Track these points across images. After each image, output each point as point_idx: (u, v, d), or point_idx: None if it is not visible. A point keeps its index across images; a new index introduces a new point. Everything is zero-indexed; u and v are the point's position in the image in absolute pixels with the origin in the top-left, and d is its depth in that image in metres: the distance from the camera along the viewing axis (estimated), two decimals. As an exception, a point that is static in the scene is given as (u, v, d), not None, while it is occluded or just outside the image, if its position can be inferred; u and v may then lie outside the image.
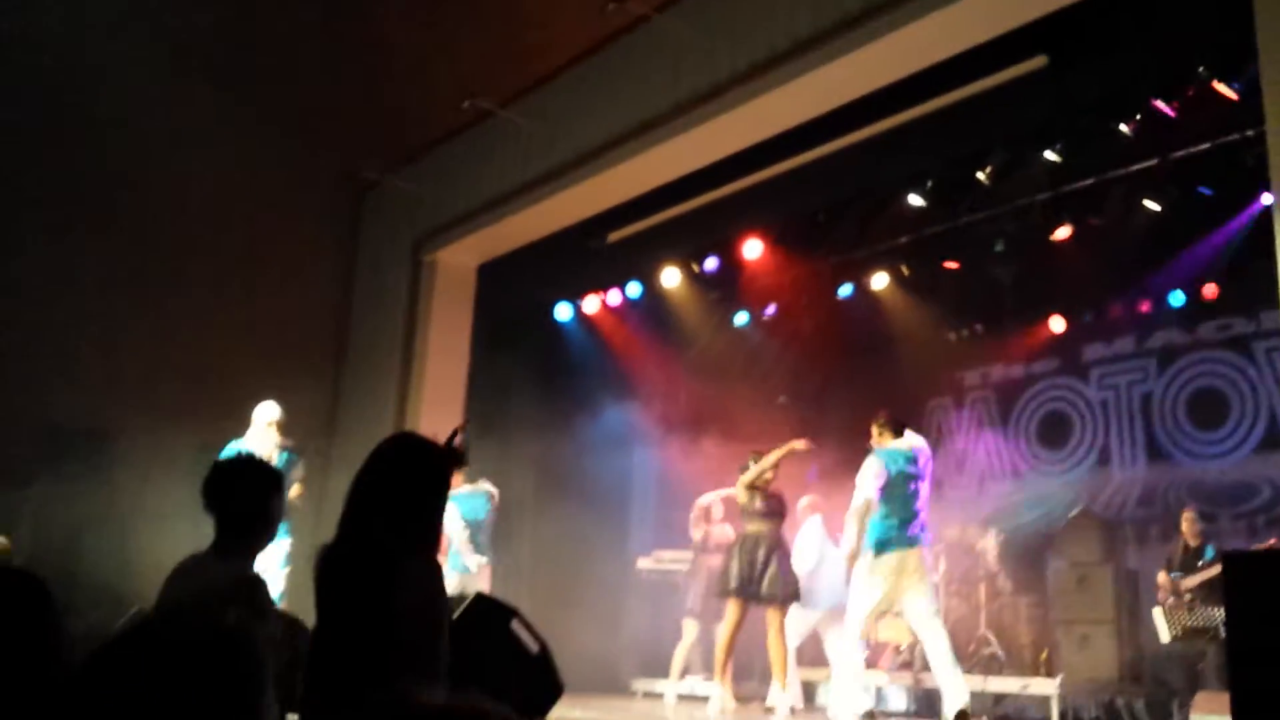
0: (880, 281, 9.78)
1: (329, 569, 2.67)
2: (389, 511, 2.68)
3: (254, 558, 3.15)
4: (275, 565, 6.94)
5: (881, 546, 6.27)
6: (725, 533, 9.08)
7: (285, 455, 7.32)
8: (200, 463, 8.04)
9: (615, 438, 11.14)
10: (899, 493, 6.34)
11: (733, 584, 7.06)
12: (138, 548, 7.04)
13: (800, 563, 7.99)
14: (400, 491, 2.71)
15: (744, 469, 7.43)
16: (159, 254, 9.27)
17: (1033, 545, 9.18)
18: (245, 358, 9.60)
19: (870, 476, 6.35)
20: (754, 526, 7.24)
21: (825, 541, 8.29)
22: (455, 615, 4.08)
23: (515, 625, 3.98)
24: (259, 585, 2.91)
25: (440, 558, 2.88)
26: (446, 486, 2.79)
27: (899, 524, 6.28)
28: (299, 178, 10.15)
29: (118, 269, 9.08)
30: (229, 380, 9.43)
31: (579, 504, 10.62)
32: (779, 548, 7.20)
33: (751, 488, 7.30)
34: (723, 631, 7.28)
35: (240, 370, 9.52)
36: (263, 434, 7.33)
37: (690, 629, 8.87)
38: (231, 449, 7.37)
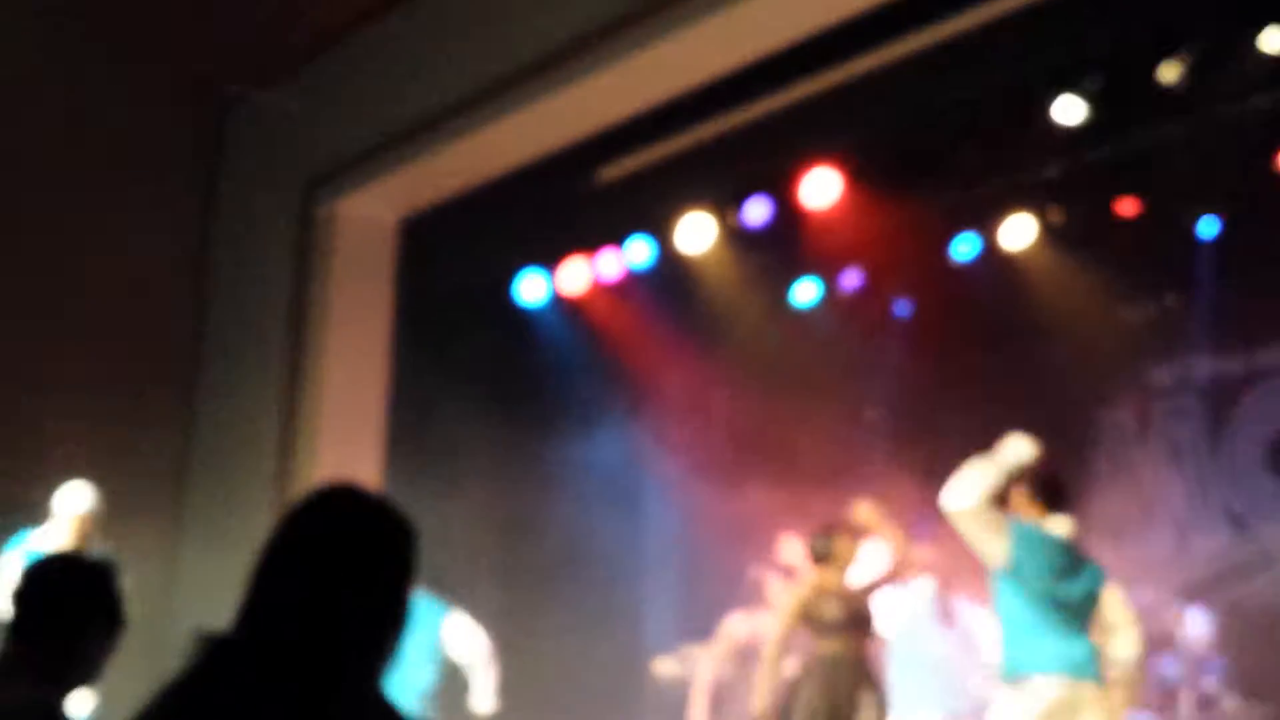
0: (1019, 233, 9.75)
1: (223, 686, 2.52)
2: (332, 609, 2.56)
3: (66, 694, 3.35)
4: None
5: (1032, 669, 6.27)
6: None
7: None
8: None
9: (616, 478, 11.19)
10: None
11: None
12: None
13: (900, 651, 8.13)
14: (353, 580, 2.59)
15: (817, 549, 7.55)
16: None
17: (1267, 626, 9.19)
18: (60, 355, 9.77)
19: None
20: (829, 646, 7.31)
21: (938, 618, 8.40)
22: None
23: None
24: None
25: None
26: (413, 578, 2.68)
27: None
28: (125, 96, 10.18)
29: None
30: (26, 400, 9.48)
31: (564, 578, 10.70)
32: (868, 674, 7.31)
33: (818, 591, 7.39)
34: None
35: (44, 383, 9.65)
36: (67, 530, 7.74)
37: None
38: (24, 547, 7.69)
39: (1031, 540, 6.29)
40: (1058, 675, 6.15)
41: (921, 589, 8.47)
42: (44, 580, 3.54)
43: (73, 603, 3.43)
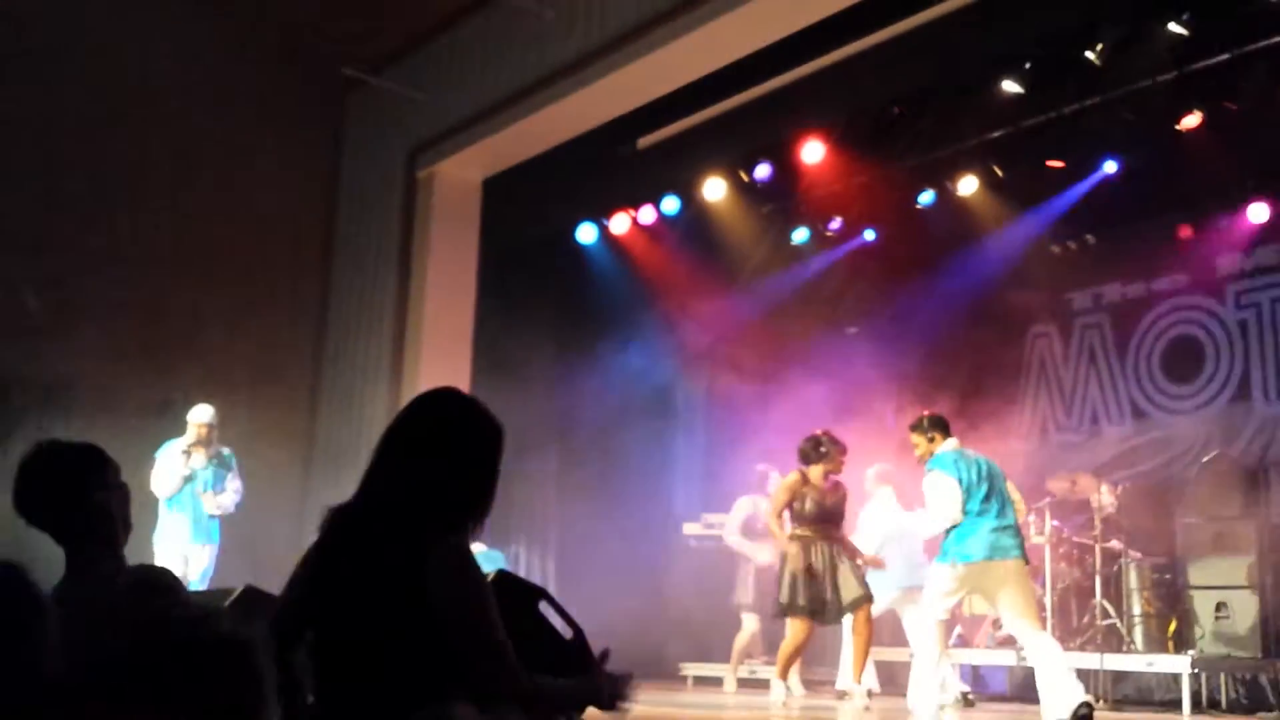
0: (969, 186, 9.70)
1: (345, 538, 2.62)
2: (431, 485, 2.62)
3: (121, 556, 3.04)
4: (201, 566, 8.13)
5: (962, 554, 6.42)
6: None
7: (221, 458, 8.32)
8: (161, 423, 8.24)
9: (653, 383, 11.28)
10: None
11: (795, 605, 7.21)
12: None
13: (868, 542, 8.13)
14: (447, 463, 2.64)
15: (807, 451, 7.52)
16: (109, 178, 9.35)
17: (1158, 497, 9.17)
18: (213, 294, 9.77)
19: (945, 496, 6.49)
20: (807, 531, 7.35)
21: (898, 515, 8.45)
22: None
23: (544, 607, 4.06)
24: (167, 578, 2.83)
25: None
26: (499, 461, 2.72)
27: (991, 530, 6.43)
28: (268, 82, 10.18)
29: (61, 195, 9.16)
30: (195, 322, 9.63)
31: (612, 461, 10.80)
32: (843, 551, 7.34)
33: (799, 492, 7.41)
34: (787, 645, 7.44)
35: (208, 310, 9.70)
36: (194, 435, 8.20)
37: (749, 620, 9.10)
38: (166, 447, 8.18)
39: (957, 466, 6.53)
40: (985, 558, 6.34)
41: (885, 495, 8.59)
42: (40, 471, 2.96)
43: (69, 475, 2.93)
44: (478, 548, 7.88)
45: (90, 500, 2.90)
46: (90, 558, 2.87)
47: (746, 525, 9.30)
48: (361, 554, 2.56)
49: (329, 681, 2.60)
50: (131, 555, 3.09)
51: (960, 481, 6.46)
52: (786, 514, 7.52)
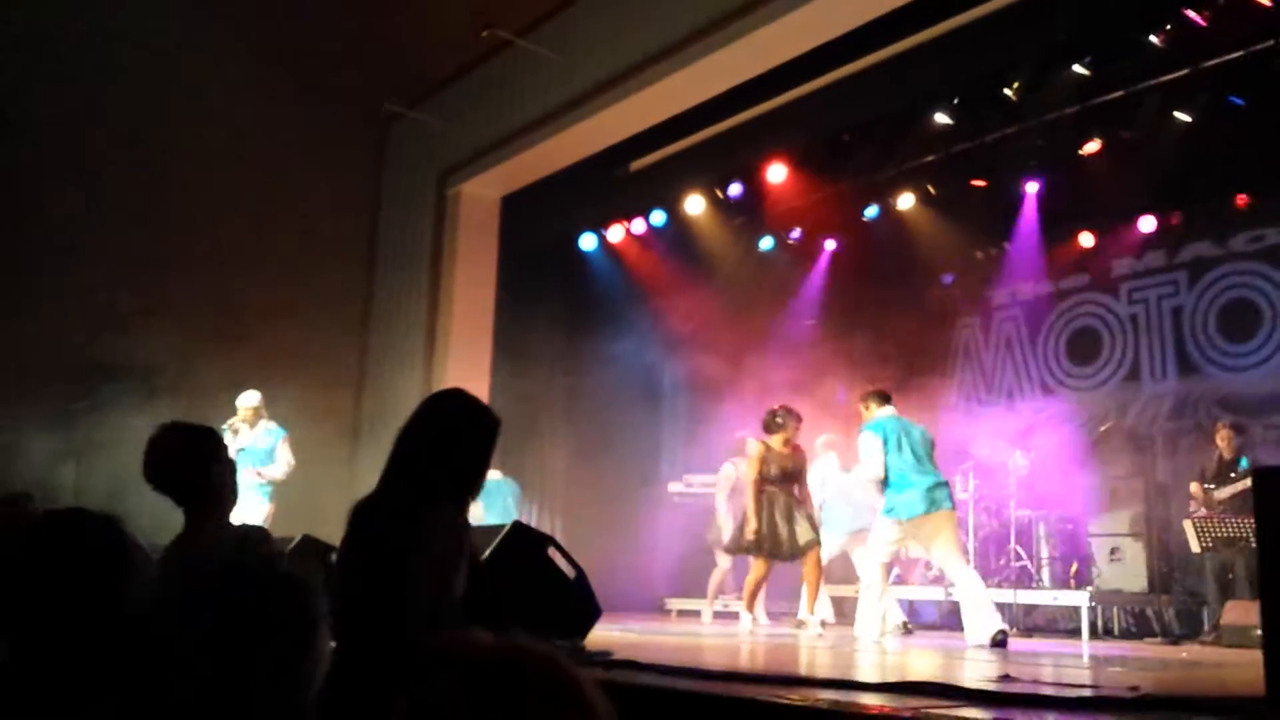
0: (906, 202, 9.66)
1: (360, 518, 2.70)
2: (433, 466, 2.70)
3: (229, 519, 3.08)
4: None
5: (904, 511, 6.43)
6: None
7: (274, 433, 8.04)
8: (232, 402, 8.17)
9: (644, 364, 11.20)
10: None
11: (757, 545, 7.20)
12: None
13: (819, 494, 8.13)
14: (446, 450, 2.73)
15: (768, 422, 7.49)
16: (188, 196, 9.36)
17: (1063, 460, 9.09)
18: (274, 292, 9.73)
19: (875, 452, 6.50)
20: (770, 489, 7.33)
21: (840, 473, 8.45)
22: (493, 544, 4.18)
23: (551, 551, 4.08)
24: (264, 537, 2.89)
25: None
26: (492, 449, 2.81)
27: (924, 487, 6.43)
28: (322, 114, 10.16)
29: (149, 211, 9.18)
30: (259, 317, 9.60)
31: (610, 431, 10.78)
32: (799, 503, 7.31)
33: (768, 451, 7.38)
34: (750, 580, 7.45)
35: (270, 306, 9.68)
36: (243, 417, 7.96)
37: (722, 558, 9.10)
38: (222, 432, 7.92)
39: (892, 429, 6.54)
40: (924, 512, 6.36)
41: (829, 460, 8.59)
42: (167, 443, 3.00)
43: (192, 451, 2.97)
44: (493, 475, 7.87)
45: (208, 473, 2.94)
46: (203, 519, 2.92)
47: (733, 487, 9.27)
48: (375, 525, 2.65)
49: (347, 635, 2.66)
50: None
51: (885, 441, 6.46)
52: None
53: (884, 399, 6.82)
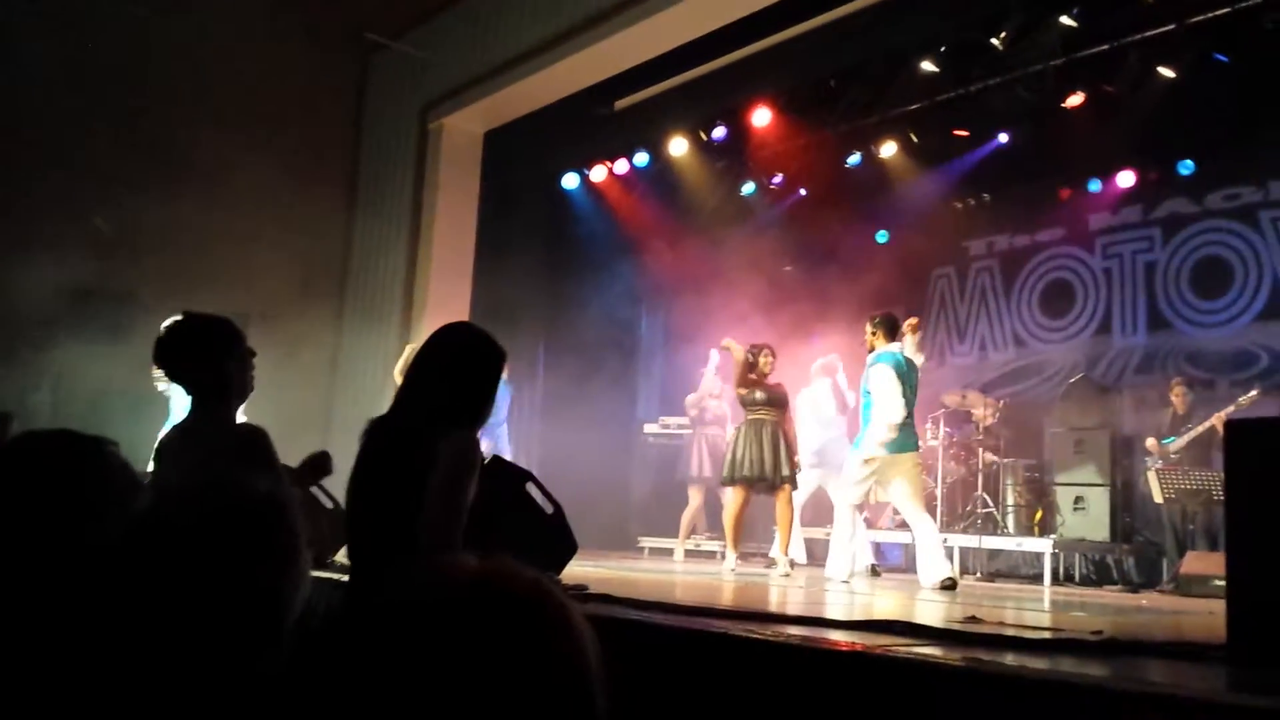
0: (889, 150, 9.57)
1: (374, 439, 2.82)
2: (443, 394, 2.83)
3: (235, 415, 3.05)
4: None
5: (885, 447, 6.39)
6: (721, 409, 9.33)
7: None
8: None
9: (622, 304, 11.20)
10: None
11: (738, 473, 7.17)
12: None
13: (803, 423, 8.12)
14: (457, 378, 2.85)
15: (745, 363, 7.43)
16: (168, 124, 9.16)
17: (1031, 411, 9.24)
18: (255, 222, 9.58)
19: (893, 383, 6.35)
20: (755, 415, 7.28)
21: (830, 404, 8.42)
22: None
23: (530, 488, 4.07)
24: (264, 438, 2.84)
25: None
26: (499, 377, 2.98)
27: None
28: (303, 42, 9.93)
29: (130, 138, 9.01)
30: (241, 246, 9.48)
31: (587, 369, 10.75)
32: (783, 435, 7.25)
33: (749, 382, 7.34)
34: (729, 514, 7.43)
35: (251, 235, 9.55)
36: None
37: (695, 495, 9.14)
38: None
39: (900, 366, 6.46)
40: (897, 450, 6.35)
41: (823, 385, 8.59)
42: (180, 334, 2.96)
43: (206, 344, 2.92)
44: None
45: (218, 365, 2.90)
46: (210, 412, 2.91)
47: (700, 407, 9.34)
48: (390, 446, 2.80)
49: (358, 549, 2.83)
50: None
51: (902, 381, 6.39)
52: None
53: (892, 328, 6.61)
